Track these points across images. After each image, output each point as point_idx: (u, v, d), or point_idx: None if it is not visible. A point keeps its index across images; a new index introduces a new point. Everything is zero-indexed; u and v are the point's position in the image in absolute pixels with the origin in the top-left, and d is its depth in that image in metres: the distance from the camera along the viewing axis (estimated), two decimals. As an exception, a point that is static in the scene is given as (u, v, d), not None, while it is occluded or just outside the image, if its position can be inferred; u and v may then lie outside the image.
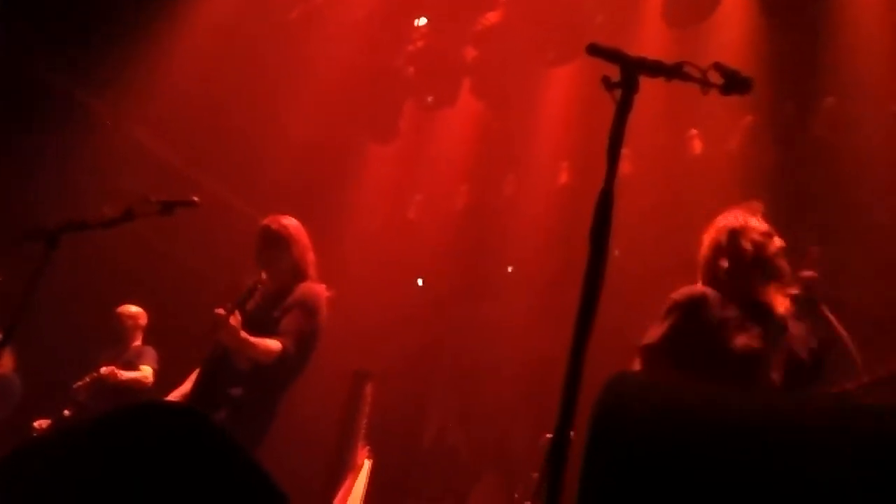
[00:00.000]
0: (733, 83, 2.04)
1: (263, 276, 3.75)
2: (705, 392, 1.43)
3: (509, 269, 7.67)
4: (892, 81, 5.34)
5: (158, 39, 6.23)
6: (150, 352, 5.78)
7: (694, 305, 3.11)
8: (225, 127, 6.74)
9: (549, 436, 4.72)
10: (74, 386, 5.48)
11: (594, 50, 1.86)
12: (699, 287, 3.23)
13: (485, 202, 7.41)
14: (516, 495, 5.18)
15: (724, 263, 3.20)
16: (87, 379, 5.44)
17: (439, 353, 8.26)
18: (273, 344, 3.66)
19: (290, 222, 4.07)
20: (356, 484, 4.98)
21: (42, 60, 6.23)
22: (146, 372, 5.57)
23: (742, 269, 3.17)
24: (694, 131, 6.22)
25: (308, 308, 3.83)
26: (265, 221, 4.06)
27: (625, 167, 5.92)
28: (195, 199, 3.41)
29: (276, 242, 3.98)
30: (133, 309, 5.90)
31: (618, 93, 1.82)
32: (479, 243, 7.56)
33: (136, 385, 5.47)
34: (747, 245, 3.20)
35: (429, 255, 7.72)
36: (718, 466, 1.23)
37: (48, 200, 5.89)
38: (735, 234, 3.24)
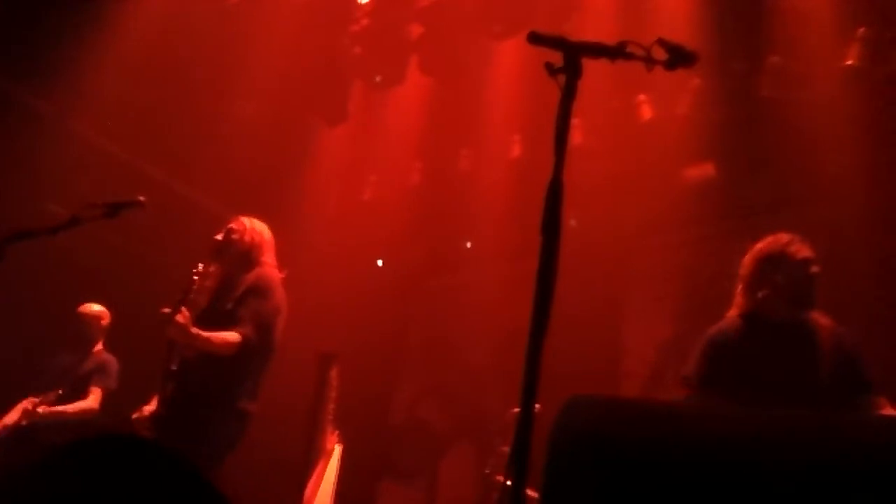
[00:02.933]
0: (677, 58, 2.04)
1: (200, 267, 3.72)
2: (655, 410, 1.45)
3: (468, 245, 7.68)
4: (837, 38, 5.40)
5: (98, 34, 6.07)
6: (109, 367, 5.47)
7: (723, 338, 3.25)
8: (173, 118, 6.61)
9: (516, 410, 4.77)
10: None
11: (535, 38, 1.85)
12: (731, 318, 3.32)
13: (440, 178, 7.39)
14: (487, 470, 5.22)
15: (760, 294, 3.27)
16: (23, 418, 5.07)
17: (405, 331, 8.27)
18: (231, 336, 3.64)
19: (247, 218, 4.09)
20: (328, 470, 4.97)
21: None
22: (92, 399, 5.29)
23: (777, 298, 3.25)
24: (643, 97, 6.24)
25: (261, 292, 3.82)
26: (233, 219, 4.10)
27: (576, 137, 5.93)
28: (141, 198, 3.35)
29: (226, 233, 3.99)
30: (95, 308, 5.61)
31: (562, 78, 1.81)
32: (437, 220, 7.56)
33: (81, 416, 5.21)
34: (782, 276, 3.26)
35: (387, 234, 7.70)
36: (671, 479, 1.25)
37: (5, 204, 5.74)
38: (772, 263, 3.29)
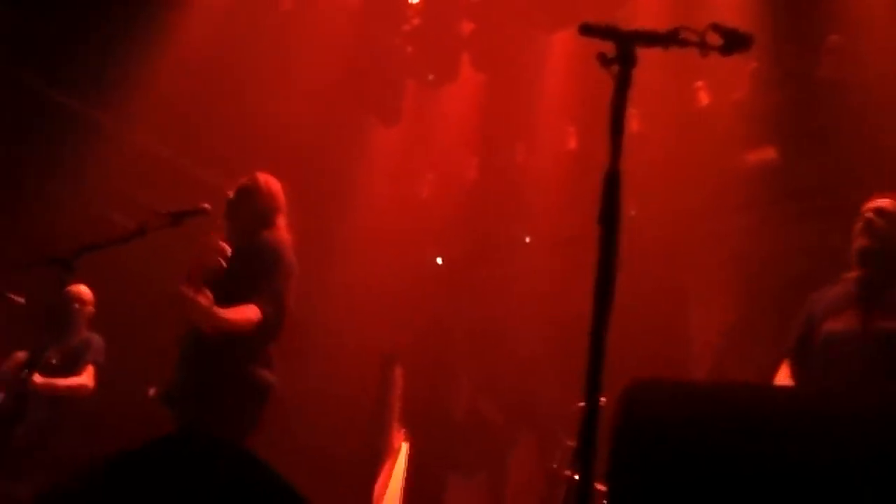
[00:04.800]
0: (733, 42, 2.00)
1: (227, 248, 3.52)
2: (715, 393, 1.44)
3: (527, 240, 7.66)
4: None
5: (152, 42, 6.21)
6: (97, 345, 5.30)
7: (811, 302, 3.29)
8: (229, 124, 6.73)
9: (581, 404, 4.74)
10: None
11: (586, 30, 1.83)
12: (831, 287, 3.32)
13: (496, 173, 7.38)
14: (554, 465, 5.20)
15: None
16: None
17: (465, 327, 8.28)
18: (251, 311, 3.48)
19: (263, 176, 3.90)
20: (396, 467, 5.01)
21: (38, 75, 6.23)
22: (86, 376, 5.15)
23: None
24: (700, 83, 6.15)
25: (274, 260, 3.65)
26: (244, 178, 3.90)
27: (632, 125, 5.87)
28: (205, 206, 3.39)
29: (242, 192, 3.83)
30: (82, 289, 5.39)
31: (615, 69, 1.80)
32: (495, 214, 7.56)
33: (76, 393, 5.11)
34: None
35: (446, 231, 7.73)
36: (731, 462, 1.24)
37: (63, 217, 5.89)
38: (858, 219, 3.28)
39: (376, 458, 5.01)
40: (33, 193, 6.14)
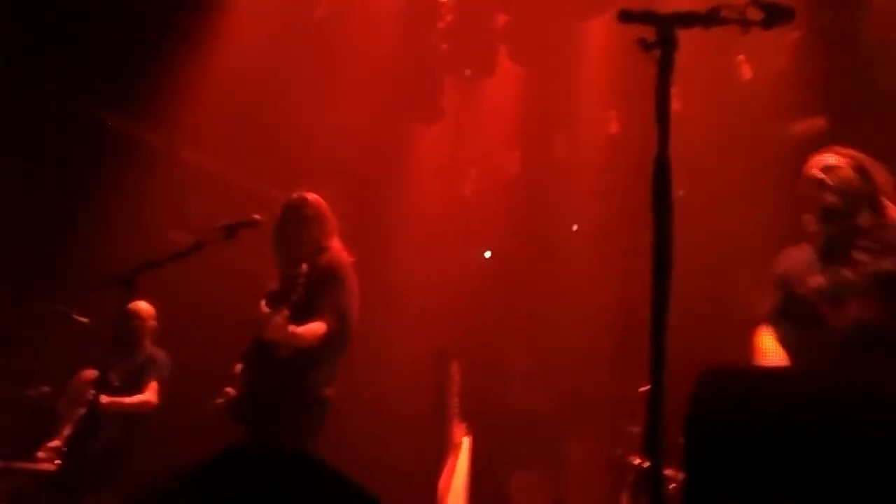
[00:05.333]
0: (774, 15, 1.99)
1: (304, 267, 3.66)
2: (782, 376, 1.43)
3: (574, 228, 7.63)
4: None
5: (195, 62, 6.33)
6: (161, 361, 5.45)
7: (783, 267, 3.32)
8: (273, 135, 6.83)
9: (644, 389, 4.70)
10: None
11: (626, 16, 1.84)
12: (792, 250, 3.35)
13: (539, 164, 7.36)
14: (619, 451, 5.17)
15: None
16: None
17: (517, 320, 8.28)
18: (318, 327, 3.65)
19: (312, 197, 4.01)
20: (459, 462, 5.03)
21: (87, 99, 6.39)
22: (149, 393, 5.29)
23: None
24: (741, 56, 6.05)
25: (337, 279, 3.79)
26: (289, 199, 4.01)
27: (675, 105, 5.80)
28: (257, 217, 3.47)
29: (300, 219, 3.93)
30: (143, 306, 5.51)
31: (656, 53, 1.79)
32: (540, 206, 7.54)
33: (139, 409, 5.24)
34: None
35: (492, 226, 7.73)
36: (804, 442, 1.23)
37: (121, 237, 6.03)
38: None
39: (439, 455, 5.02)
40: (90, 216, 6.30)
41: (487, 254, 8.23)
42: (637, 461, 4.53)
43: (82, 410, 5.03)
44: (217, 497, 1.33)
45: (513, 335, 8.04)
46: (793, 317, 3.21)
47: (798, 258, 3.28)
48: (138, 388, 5.30)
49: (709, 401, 1.34)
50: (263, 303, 3.71)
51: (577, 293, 7.26)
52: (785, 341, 3.22)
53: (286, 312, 3.50)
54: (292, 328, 3.54)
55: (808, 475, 1.25)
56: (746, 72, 6.07)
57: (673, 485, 3.33)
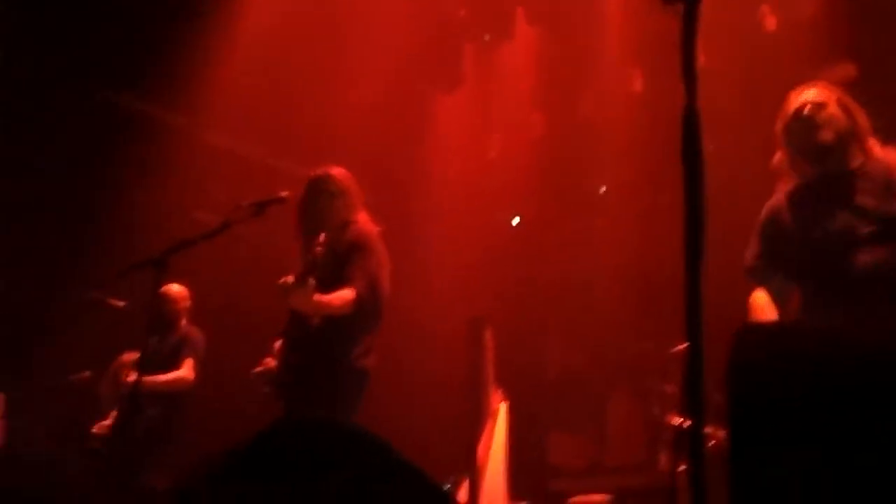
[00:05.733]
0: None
1: (322, 237, 3.68)
2: (820, 331, 1.41)
3: (602, 190, 7.57)
4: None
5: (212, 41, 6.33)
6: (195, 338, 5.52)
7: (771, 215, 3.16)
8: (295, 111, 6.83)
9: (677, 348, 4.67)
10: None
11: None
12: (774, 201, 3.21)
13: (562, 127, 7.29)
14: (655, 411, 5.17)
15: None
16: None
17: (550, 283, 8.27)
18: (346, 293, 3.66)
19: (336, 171, 4.01)
20: (496, 429, 5.05)
21: (110, 84, 6.43)
22: (185, 369, 5.36)
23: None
24: (765, 7, 5.92)
25: (365, 249, 3.80)
26: (313, 175, 4.01)
27: (700, 59, 5.70)
28: (284, 194, 3.48)
29: (326, 194, 3.94)
30: (175, 288, 5.58)
31: (680, 6, 1.75)
32: (566, 168, 7.49)
33: (176, 386, 5.32)
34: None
35: (517, 190, 7.69)
36: (847, 396, 1.22)
37: (150, 220, 6.08)
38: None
39: (476, 422, 5.04)
40: (115, 201, 6.36)
41: (516, 220, 8.20)
42: (675, 420, 4.53)
43: (123, 392, 5.14)
44: (272, 473, 1.35)
45: (545, 299, 8.03)
46: (786, 268, 3.07)
47: (784, 206, 3.12)
48: (175, 366, 5.38)
49: (750, 357, 1.32)
50: (290, 276, 3.70)
51: (607, 254, 7.23)
52: (778, 295, 3.09)
53: (312, 282, 3.51)
54: (318, 296, 3.55)
55: (853, 432, 1.23)
56: (771, 22, 5.95)
57: (712, 442, 3.32)
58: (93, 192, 6.27)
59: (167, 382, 5.26)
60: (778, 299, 3.10)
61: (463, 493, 4.35)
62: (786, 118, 3.11)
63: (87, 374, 5.54)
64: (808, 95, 3.10)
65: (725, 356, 1.61)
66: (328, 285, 3.67)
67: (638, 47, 6.33)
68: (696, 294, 1.49)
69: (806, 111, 3.05)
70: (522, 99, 7.22)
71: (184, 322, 5.63)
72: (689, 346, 1.51)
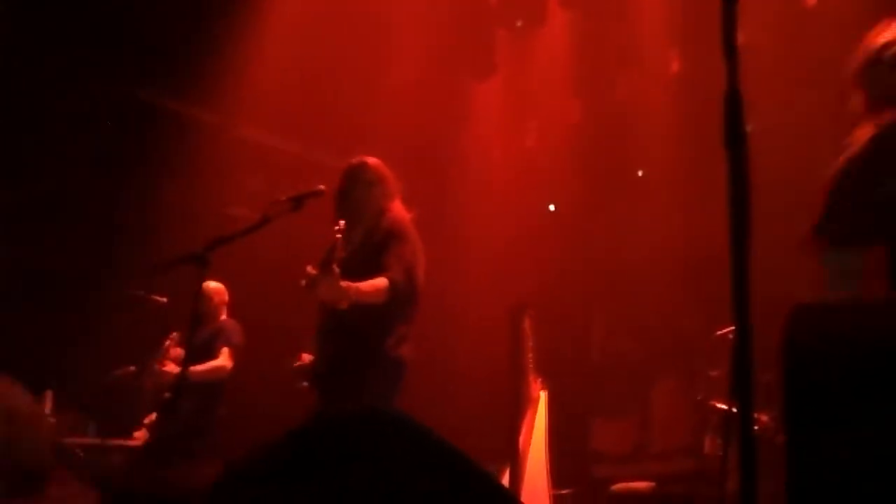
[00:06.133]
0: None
1: (342, 223, 3.58)
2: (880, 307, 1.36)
3: (640, 174, 7.48)
4: None
5: (241, 35, 6.36)
6: (229, 328, 5.55)
7: (845, 167, 2.74)
8: (328, 104, 6.84)
9: (721, 332, 4.58)
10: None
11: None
12: (851, 149, 2.80)
13: (599, 112, 7.22)
14: (699, 396, 5.10)
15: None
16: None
17: (591, 269, 8.21)
18: (379, 281, 3.58)
19: (371, 160, 3.95)
20: (537, 417, 5.03)
21: (144, 85, 6.49)
22: (221, 358, 5.39)
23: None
24: (804, -18, 5.79)
25: (400, 235, 3.74)
26: (349, 165, 3.95)
27: (739, 38, 5.59)
28: (321, 187, 3.47)
29: (361, 184, 3.88)
30: (212, 285, 5.57)
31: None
32: (604, 153, 7.41)
33: (213, 375, 5.34)
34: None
35: (556, 177, 7.64)
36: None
37: (188, 217, 6.14)
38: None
39: (517, 411, 5.03)
40: (155, 199, 6.43)
41: (551, 206, 8.15)
42: (720, 404, 4.47)
43: (166, 386, 5.21)
44: (317, 465, 1.34)
45: (587, 284, 7.98)
46: (859, 228, 2.67)
47: (859, 158, 2.71)
48: (211, 356, 5.42)
49: (805, 337, 1.28)
50: (312, 268, 3.62)
51: (650, 237, 7.15)
52: (846, 259, 2.67)
53: (336, 269, 3.42)
54: (346, 283, 3.48)
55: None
56: (810, -1, 5.82)
57: (757, 427, 3.26)
58: (129, 190, 6.35)
59: (205, 372, 5.29)
60: (846, 264, 2.82)
61: (504, 482, 4.33)
62: (867, 57, 2.79)
63: (132, 368, 5.61)
64: (887, 35, 2.77)
65: (773, 338, 1.57)
66: (364, 274, 3.61)
67: (674, 28, 6.23)
68: (743, 276, 1.46)
69: (893, 51, 2.74)
70: (558, 85, 7.14)
71: (223, 318, 5.69)
72: (736, 328, 1.47)
